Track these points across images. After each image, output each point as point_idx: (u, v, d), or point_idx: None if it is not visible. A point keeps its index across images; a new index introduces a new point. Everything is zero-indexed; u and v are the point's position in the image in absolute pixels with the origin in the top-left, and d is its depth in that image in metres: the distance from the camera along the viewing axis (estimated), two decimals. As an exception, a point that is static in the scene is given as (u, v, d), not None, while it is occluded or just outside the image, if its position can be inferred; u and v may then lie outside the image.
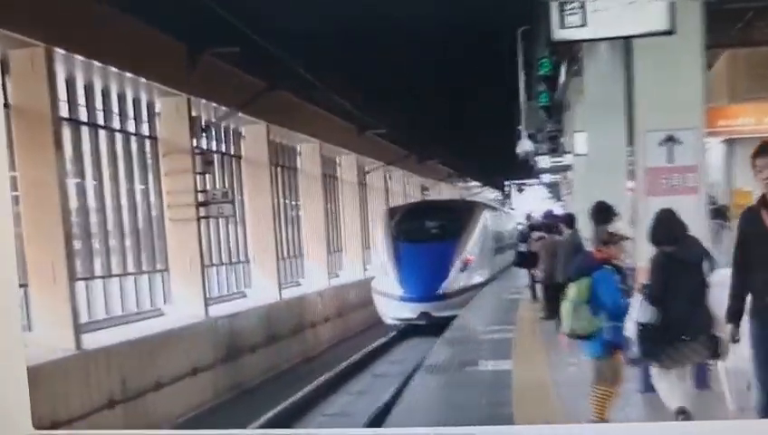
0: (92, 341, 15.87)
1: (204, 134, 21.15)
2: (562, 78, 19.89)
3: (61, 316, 15.09)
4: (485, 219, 28.78)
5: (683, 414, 8.62)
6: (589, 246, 11.23)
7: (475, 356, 15.37)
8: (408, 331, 25.62)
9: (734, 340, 7.98)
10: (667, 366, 8.85)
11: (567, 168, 24.42)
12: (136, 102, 19.46)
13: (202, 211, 20.03)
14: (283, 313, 23.43)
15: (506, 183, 41.83)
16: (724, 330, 8.16)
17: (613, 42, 13.18)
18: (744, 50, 19.46)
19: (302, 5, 15.70)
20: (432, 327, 22.79)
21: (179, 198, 19.71)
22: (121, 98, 18.94)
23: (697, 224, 9.91)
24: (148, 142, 19.74)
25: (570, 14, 9.77)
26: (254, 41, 17.99)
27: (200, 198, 20.04)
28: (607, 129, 15.81)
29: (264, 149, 23.52)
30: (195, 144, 20.23)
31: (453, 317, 21.72)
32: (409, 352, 23.20)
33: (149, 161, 19.73)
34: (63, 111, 16.53)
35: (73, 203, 16.81)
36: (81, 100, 17.61)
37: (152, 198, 19.81)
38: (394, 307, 25.86)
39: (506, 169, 34.67)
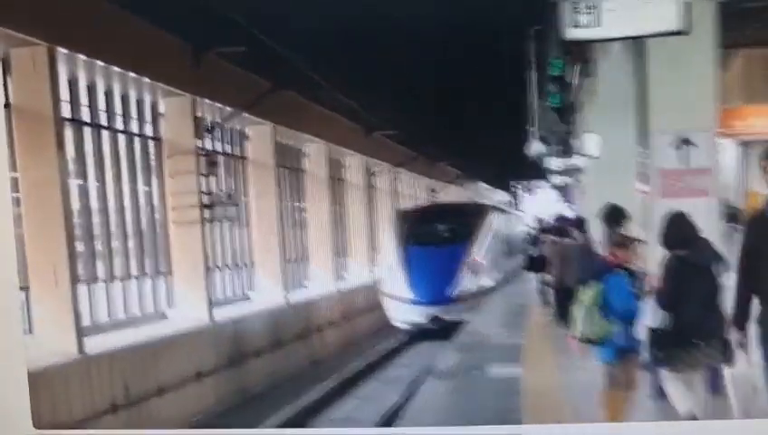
0: (95, 344, 15.89)
1: (208, 135, 21.15)
2: (574, 79, 19.87)
3: (62, 320, 15.10)
4: (496, 222, 28.77)
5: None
6: (600, 250, 11.23)
7: (483, 361, 15.37)
8: (417, 335, 25.63)
9: (741, 345, 7.99)
10: (679, 370, 8.85)
11: (578, 170, 24.38)
12: (139, 103, 19.47)
13: (206, 213, 20.05)
14: (288, 316, 23.43)
15: (516, 185, 41.73)
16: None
17: (626, 42, 13.18)
18: (760, 50, 19.42)
19: (309, 4, 15.71)
20: (442, 331, 22.83)
21: (183, 199, 19.72)
22: (125, 98, 18.95)
23: (711, 227, 9.92)
24: (151, 143, 19.75)
25: (582, 13, 9.79)
26: (259, 40, 18.00)
27: (205, 199, 20.05)
28: (619, 130, 15.81)
29: (269, 150, 23.52)
30: (199, 145, 20.24)
31: (463, 321, 21.76)
32: (418, 357, 23.20)
33: (153, 162, 19.74)
34: (66, 112, 16.55)
35: (76, 205, 16.82)
36: (84, 100, 17.63)
37: (155, 199, 19.81)
38: (404, 311, 25.87)
39: (516, 171, 34.59)
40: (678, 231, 8.94)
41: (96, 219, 17.80)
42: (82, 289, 16.46)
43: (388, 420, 15.64)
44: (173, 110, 19.70)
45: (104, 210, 18.07)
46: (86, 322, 16.32)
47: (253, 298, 23.30)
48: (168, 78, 18.69)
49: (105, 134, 18.27)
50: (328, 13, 15.23)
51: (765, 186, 7.60)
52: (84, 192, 17.44)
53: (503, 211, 33.60)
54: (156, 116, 19.82)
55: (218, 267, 21.99)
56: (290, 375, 22.08)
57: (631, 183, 15.10)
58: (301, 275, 26.84)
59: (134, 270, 18.94)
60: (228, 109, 21.44)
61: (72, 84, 17.15)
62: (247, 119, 22.54)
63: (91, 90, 17.85)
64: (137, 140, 19.37)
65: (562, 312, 14.95)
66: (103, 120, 18.22)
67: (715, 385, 9.93)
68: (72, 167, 16.79)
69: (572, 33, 9.85)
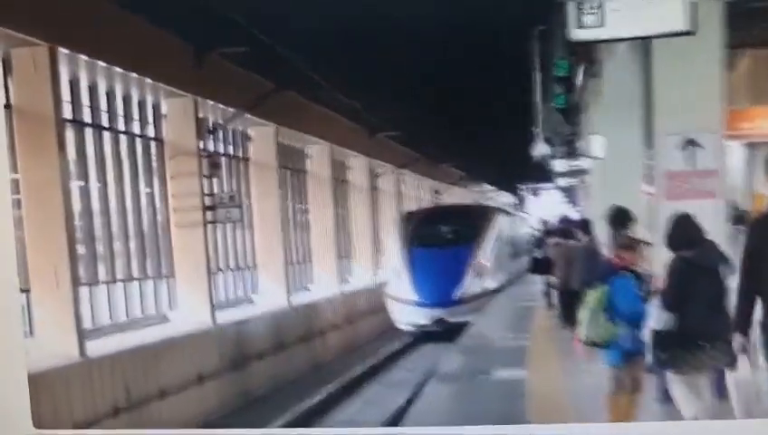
0: (96, 347, 15.89)
1: (211, 136, 21.15)
2: (579, 79, 19.86)
3: (63, 322, 15.11)
4: (501, 224, 28.80)
5: (697, 425, 8.62)
6: (606, 252, 11.22)
7: (488, 364, 15.36)
8: (421, 337, 25.66)
9: (744, 350, 7.96)
10: (684, 373, 8.83)
11: (583, 171, 24.37)
12: (141, 104, 19.46)
13: (209, 215, 20.04)
14: (291, 319, 23.42)
15: (521, 187, 41.69)
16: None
17: (632, 42, 13.16)
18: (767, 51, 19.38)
19: (311, 4, 15.70)
20: (446, 333, 22.86)
21: (185, 201, 19.71)
22: (126, 99, 18.95)
23: (717, 229, 9.91)
24: (153, 145, 19.75)
25: (587, 13, 9.78)
26: (262, 40, 17.99)
27: (207, 201, 20.05)
28: (624, 131, 15.79)
29: (272, 151, 23.51)
30: (202, 146, 20.24)
31: (467, 323, 21.79)
32: (421, 360, 23.20)
33: (155, 164, 19.74)
34: (67, 113, 16.54)
35: (77, 206, 16.82)
36: (86, 101, 17.63)
37: (157, 201, 19.81)
38: (408, 313, 25.91)
39: (521, 172, 34.56)
40: (683, 232, 8.92)
41: (97, 221, 17.80)
42: (84, 291, 16.45)
43: (391, 425, 15.62)
44: (175, 111, 19.70)
45: (105, 212, 18.07)
46: (87, 324, 16.32)
47: (255, 301, 23.29)
48: (169, 78, 18.69)
49: (107, 135, 18.27)
50: (331, 13, 15.23)
51: (768, 187, 7.61)
52: (86, 194, 17.43)
53: (507, 213, 33.61)
54: (158, 117, 19.82)
55: (221, 270, 21.98)
56: (292, 379, 22.08)
57: (637, 185, 15.08)
58: (304, 277, 26.83)
59: (136, 272, 18.93)
60: (230, 110, 21.43)
61: (74, 85, 17.15)
62: (250, 120, 22.54)
63: (93, 90, 17.85)
64: (138, 142, 19.37)
65: (567, 314, 14.95)
66: (105, 121, 18.21)
67: (722, 389, 9.91)
68: (73, 168, 16.79)
69: (577, 34, 9.84)
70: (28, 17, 13.94)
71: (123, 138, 18.82)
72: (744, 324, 7.79)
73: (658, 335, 8.72)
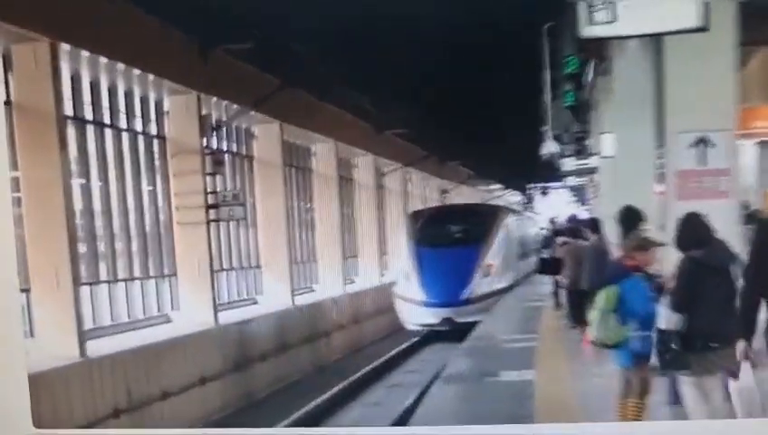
0: (97, 348, 15.90)
1: (214, 134, 21.15)
2: (589, 77, 19.85)
3: (64, 322, 15.11)
4: (509, 224, 28.84)
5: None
6: (615, 252, 11.20)
7: (496, 366, 15.35)
8: (429, 337, 25.73)
9: (747, 357, 7.91)
10: (693, 374, 8.80)
11: (593, 170, 24.35)
12: (144, 100, 19.46)
13: (212, 214, 20.03)
14: (295, 320, 23.42)
15: (529, 186, 41.67)
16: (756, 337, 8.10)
17: (643, 39, 13.13)
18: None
19: (318, 0, 15.72)
20: (454, 333, 22.93)
21: (188, 199, 19.70)
22: (129, 96, 18.95)
23: (730, 229, 9.88)
24: (156, 142, 19.75)
25: (598, 9, 9.75)
26: (267, 36, 17.98)
27: (210, 199, 20.03)
28: (635, 130, 15.76)
29: (277, 149, 23.50)
30: (205, 144, 20.24)
31: (476, 323, 21.85)
32: (428, 362, 23.21)
33: (157, 162, 19.74)
34: (68, 109, 16.54)
35: (78, 205, 16.82)
36: (87, 97, 17.62)
37: (160, 199, 19.80)
38: (416, 313, 26.00)
39: (529, 171, 34.55)
40: (692, 232, 8.88)
41: (99, 220, 17.80)
42: (85, 291, 16.46)
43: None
44: (178, 107, 19.69)
45: (107, 211, 18.07)
46: (88, 325, 16.32)
47: (259, 301, 23.28)
48: (173, 74, 18.67)
49: (108, 132, 18.27)
50: (338, 9, 15.22)
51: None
52: (87, 192, 17.44)
53: (516, 212, 33.65)
54: (160, 114, 19.81)
55: (224, 269, 21.98)
56: (296, 380, 22.08)
57: (648, 184, 15.04)
58: (309, 277, 26.84)
59: (138, 272, 18.93)
60: (235, 106, 21.44)
61: (75, 81, 17.15)
62: (254, 117, 22.54)
63: (95, 87, 17.84)
64: (141, 139, 19.36)
65: (576, 314, 14.93)
66: (107, 119, 18.21)
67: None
68: (74, 166, 16.79)
69: (588, 31, 9.81)
70: (29, 12, 13.93)
71: (125, 135, 18.81)
72: (747, 329, 7.74)
73: (664, 335, 8.69)
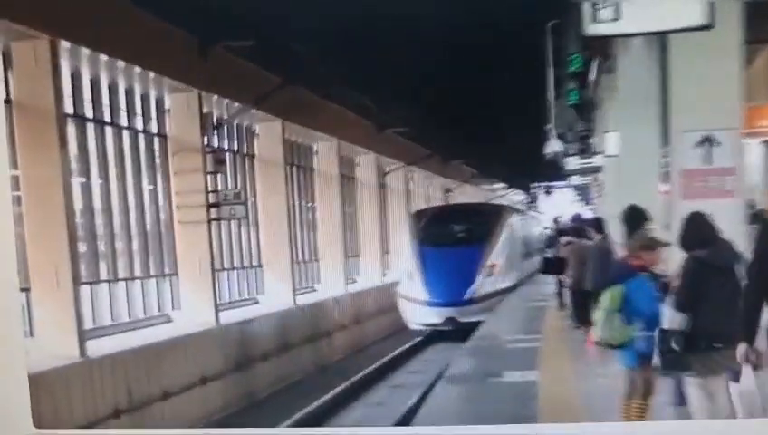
0: (97, 348, 15.91)
1: (215, 132, 21.15)
2: (593, 75, 19.83)
3: (64, 322, 15.11)
4: (513, 223, 28.87)
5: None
6: (620, 252, 11.19)
7: (499, 366, 15.35)
8: (432, 336, 25.77)
9: (748, 359, 7.89)
10: (697, 374, 8.78)
11: (597, 169, 24.34)
12: (144, 98, 19.45)
13: (213, 213, 20.03)
14: (297, 320, 23.42)
15: (533, 185, 41.69)
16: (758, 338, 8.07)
17: (648, 37, 13.12)
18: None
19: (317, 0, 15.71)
20: (457, 333, 22.96)
21: (189, 198, 19.70)
22: (129, 93, 18.95)
23: (735, 229, 9.86)
24: (156, 140, 19.75)
25: (603, 7, 9.74)
26: (268, 34, 17.97)
27: (211, 198, 20.03)
28: (640, 128, 15.74)
29: (278, 147, 23.50)
30: (206, 142, 20.24)
31: (479, 323, 21.87)
32: (431, 362, 23.22)
33: (158, 160, 19.74)
34: (68, 107, 16.54)
35: (78, 203, 16.82)
36: (87, 95, 17.62)
37: (161, 198, 19.80)
38: (419, 312, 26.06)
39: (533, 170, 34.57)
40: (696, 231, 8.88)
41: (99, 219, 17.80)
42: (85, 291, 16.46)
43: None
44: (179, 105, 19.69)
45: (107, 209, 18.07)
46: (88, 324, 16.33)
47: (261, 301, 23.29)
48: (173, 72, 18.66)
49: (109, 131, 18.27)
50: (338, 9, 15.22)
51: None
52: (87, 191, 17.44)
53: (519, 212, 33.68)
54: (161, 112, 19.81)
55: (225, 269, 21.98)
56: (298, 380, 22.08)
57: (653, 183, 15.03)
58: (310, 276, 26.84)
59: (138, 271, 18.93)
60: (236, 105, 21.44)
61: (75, 79, 17.15)
62: (256, 115, 22.54)
63: (95, 85, 17.84)
64: (141, 137, 19.36)
65: (580, 314, 14.94)
66: (107, 116, 18.21)
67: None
68: (74, 164, 16.79)
69: (592, 29, 9.80)
70: (29, 9, 13.93)
71: (126, 133, 18.81)
72: (748, 329, 7.72)
73: (666, 335, 8.68)
